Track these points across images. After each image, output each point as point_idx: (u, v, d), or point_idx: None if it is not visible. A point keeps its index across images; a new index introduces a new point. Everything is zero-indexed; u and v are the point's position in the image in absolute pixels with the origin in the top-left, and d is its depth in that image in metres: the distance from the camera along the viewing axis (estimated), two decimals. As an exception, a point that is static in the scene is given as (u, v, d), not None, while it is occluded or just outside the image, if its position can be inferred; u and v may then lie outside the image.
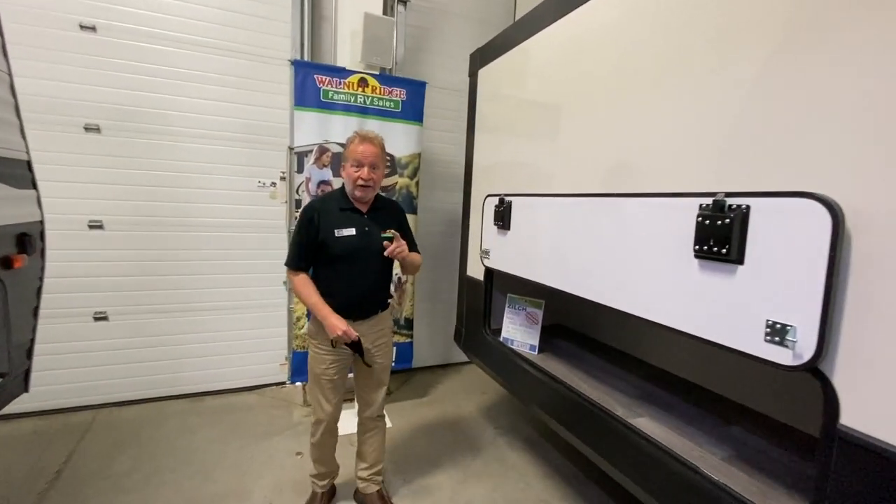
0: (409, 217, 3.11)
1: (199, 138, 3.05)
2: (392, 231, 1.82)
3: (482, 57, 2.61)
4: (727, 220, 1.12)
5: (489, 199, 2.44)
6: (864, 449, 0.92)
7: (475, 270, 2.69)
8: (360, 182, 1.78)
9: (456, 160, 3.77)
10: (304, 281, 1.82)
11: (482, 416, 3.21)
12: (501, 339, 2.53)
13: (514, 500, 2.35)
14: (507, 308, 2.55)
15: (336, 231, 1.79)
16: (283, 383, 3.49)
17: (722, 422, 1.75)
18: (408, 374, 3.77)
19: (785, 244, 1.03)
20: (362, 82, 2.87)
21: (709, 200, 1.19)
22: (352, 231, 1.81)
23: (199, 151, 3.06)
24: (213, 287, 3.22)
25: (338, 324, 1.74)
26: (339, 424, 2.06)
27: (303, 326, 2.92)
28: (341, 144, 2.86)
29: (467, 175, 2.80)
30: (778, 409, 1.74)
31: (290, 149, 3.14)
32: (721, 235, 1.14)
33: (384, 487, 2.23)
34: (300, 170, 2.83)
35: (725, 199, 1.14)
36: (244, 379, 3.39)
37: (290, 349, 3.14)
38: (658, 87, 1.41)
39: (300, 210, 2.00)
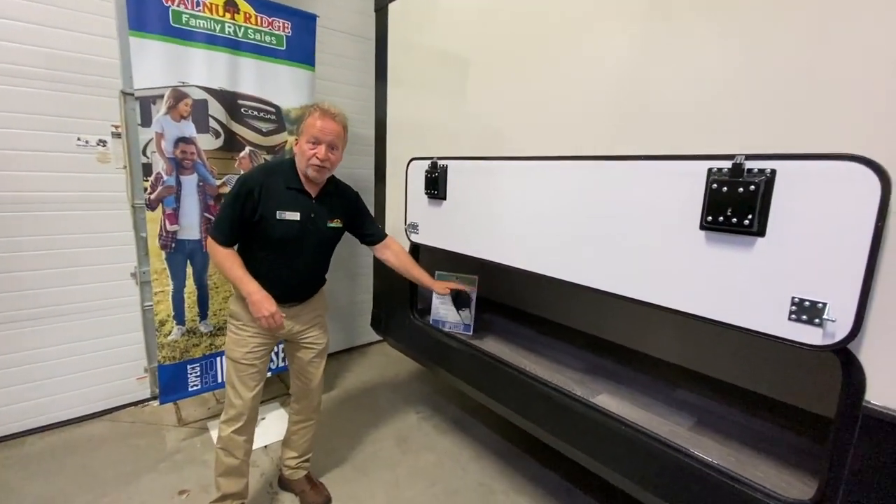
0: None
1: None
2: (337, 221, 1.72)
3: (393, -13, 2.15)
4: (750, 186, 0.99)
5: (415, 163, 2.07)
6: (893, 426, 0.88)
7: (395, 246, 2.33)
8: (314, 162, 1.56)
9: (356, 118, 3.23)
10: (228, 255, 1.58)
11: (401, 401, 2.95)
12: (431, 323, 2.26)
13: (455, 490, 2.18)
14: (435, 287, 2.26)
15: (278, 213, 1.56)
16: (146, 401, 2.74)
17: (670, 386, 1.76)
18: (310, 367, 3.29)
19: (819, 213, 0.93)
20: (231, 6, 2.17)
21: (722, 164, 1.05)
22: (296, 215, 1.60)
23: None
24: (28, 289, 2.27)
25: (265, 304, 1.53)
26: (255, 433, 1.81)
27: (169, 332, 2.24)
28: (208, 90, 2.16)
29: (379, 135, 2.37)
30: (719, 370, 1.81)
31: (125, 93, 2.30)
32: (740, 204, 1.01)
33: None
34: (146, 122, 2.07)
35: (745, 161, 1.00)
36: (87, 404, 2.55)
37: (154, 360, 2.43)
38: (659, 18, 1.19)
39: (238, 181, 1.59)
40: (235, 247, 1.64)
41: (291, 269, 1.65)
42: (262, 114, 2.39)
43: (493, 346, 2.08)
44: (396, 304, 2.38)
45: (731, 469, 1.21)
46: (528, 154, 1.57)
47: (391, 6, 2.18)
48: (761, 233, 0.99)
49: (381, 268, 2.52)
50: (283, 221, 1.57)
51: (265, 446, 2.37)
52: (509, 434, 2.57)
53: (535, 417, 1.68)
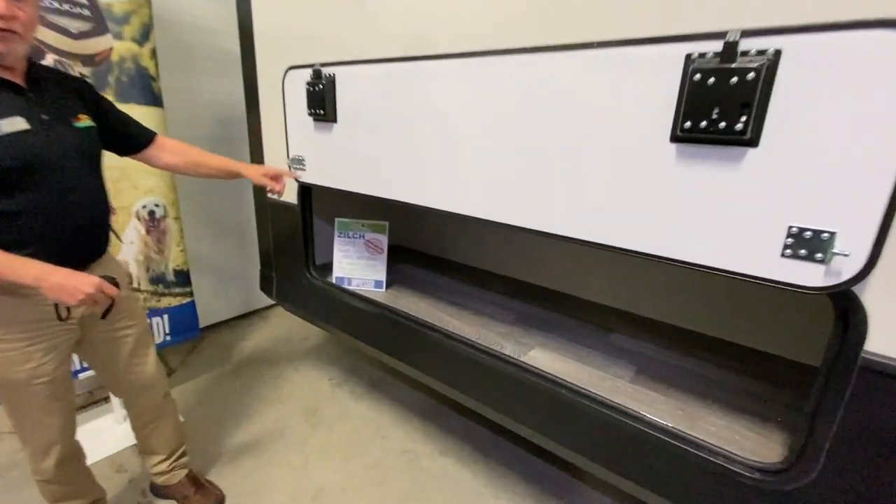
0: (154, 111, 1.94)
1: None
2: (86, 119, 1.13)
3: None
4: (747, 75, 0.70)
5: (293, 74, 1.55)
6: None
7: (281, 189, 1.84)
8: None
9: (218, 27, 2.51)
10: None
11: (311, 368, 2.59)
12: (334, 281, 1.87)
13: (374, 463, 1.93)
14: (337, 238, 1.85)
15: None
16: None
17: (605, 331, 1.59)
18: (193, 342, 2.75)
19: (833, 111, 0.68)
20: None
21: (707, 46, 0.75)
22: (18, 122, 1.01)
23: None
24: None
25: (76, 280, 1.01)
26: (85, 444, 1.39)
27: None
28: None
29: (245, 44, 1.77)
30: (654, 309, 1.68)
31: None
32: (730, 101, 0.73)
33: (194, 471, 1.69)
34: None
35: (741, 39, 0.71)
36: None
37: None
38: None
39: None
40: None
41: (59, 216, 1.08)
42: (68, 6, 1.68)
43: (409, 302, 1.76)
44: (288, 259, 1.93)
45: (682, 429, 1.05)
46: (440, 52, 1.16)
47: None
48: (754, 142, 0.73)
49: (263, 217, 2.03)
50: (5, 138, 0.99)
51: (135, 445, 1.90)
52: (432, 390, 2.35)
53: (463, 385, 1.42)
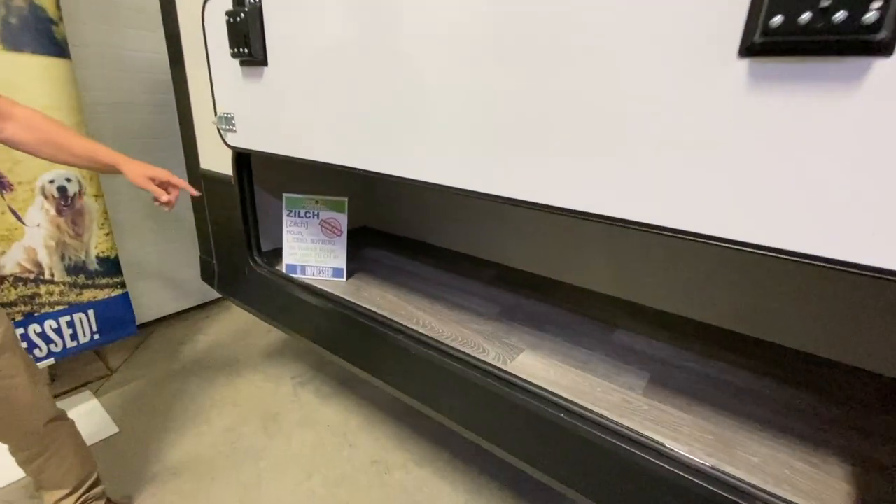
0: (56, 64, 1.59)
1: None
2: None
3: None
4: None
5: (214, 4, 1.20)
6: None
7: (215, 160, 1.49)
8: None
9: (155, 101, 2.13)
10: None
11: (273, 365, 2.30)
12: (284, 269, 1.56)
13: (339, 478, 1.67)
14: (286, 217, 1.53)
15: None
16: None
17: (607, 327, 1.32)
18: (138, 339, 2.43)
19: None
20: None
21: None
22: None
23: None
24: None
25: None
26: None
27: None
28: None
29: (187, 136, 1.43)
30: (659, 297, 1.40)
31: None
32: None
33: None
34: None
35: None
36: None
37: None
38: None
39: None
40: None
41: None
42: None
43: (374, 294, 1.46)
44: (229, 244, 1.60)
45: (719, 468, 0.79)
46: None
47: None
48: (888, 49, 0.44)
49: (197, 189, 1.69)
50: None
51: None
52: (408, 391, 2.09)
53: (435, 402, 1.13)
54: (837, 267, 0.51)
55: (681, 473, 0.79)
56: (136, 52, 2.10)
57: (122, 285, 1.91)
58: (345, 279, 1.56)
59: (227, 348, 2.43)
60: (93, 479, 1.31)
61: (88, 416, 1.87)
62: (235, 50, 1.12)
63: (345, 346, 1.33)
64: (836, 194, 0.50)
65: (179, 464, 1.67)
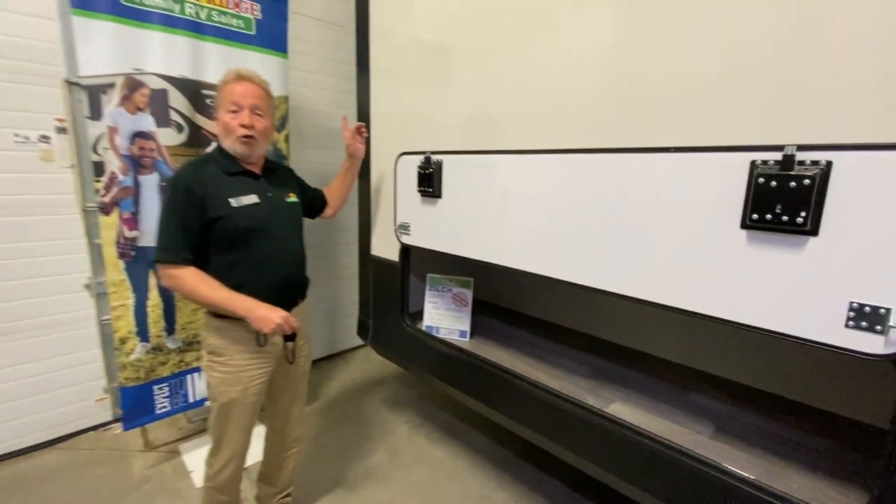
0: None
1: None
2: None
3: (375, -33, 1.97)
4: (804, 181, 0.89)
5: (405, 158, 1.90)
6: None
7: (384, 249, 2.16)
8: (241, 132, 1.35)
9: (332, 110, 3.04)
10: (197, 275, 1.32)
11: (389, 411, 2.80)
12: (424, 329, 2.11)
13: (454, 507, 2.05)
14: (427, 291, 2.12)
15: (232, 200, 1.35)
16: (106, 425, 2.48)
17: (683, 390, 1.68)
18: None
19: (883, 209, 0.83)
20: (191, -16, 1.94)
21: (768, 156, 0.94)
22: (253, 198, 1.39)
23: None
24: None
25: (271, 313, 1.32)
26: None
27: (131, 351, 2.00)
28: (168, 78, 1.93)
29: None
30: (730, 370, 1.75)
31: (70, 83, 2.03)
32: (791, 200, 0.91)
33: None
34: (95, 115, 1.81)
35: (797, 152, 0.90)
36: (38, 431, 2.28)
37: (115, 380, 2.19)
38: None
39: (168, 185, 1.43)
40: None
41: (271, 266, 1.43)
42: (231, 105, 2.17)
43: (492, 352, 1.95)
44: (385, 309, 2.21)
45: (764, 482, 1.13)
46: (537, 147, 1.44)
47: (374, -11, 2.00)
48: (814, 232, 0.90)
49: (365, 271, 2.35)
50: (243, 208, 1.35)
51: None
52: (505, 440, 2.46)
53: (547, 431, 1.56)
54: (792, 339, 0.93)
55: (740, 486, 1.13)
56: (315, 165, 2.94)
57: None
58: (468, 339, 2.07)
59: (352, 393, 2.99)
60: (290, 489, 1.82)
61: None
62: (421, 188, 1.79)
63: (473, 387, 1.81)
64: (794, 297, 0.94)
65: (329, 481, 2.15)
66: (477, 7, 1.57)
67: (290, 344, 1.47)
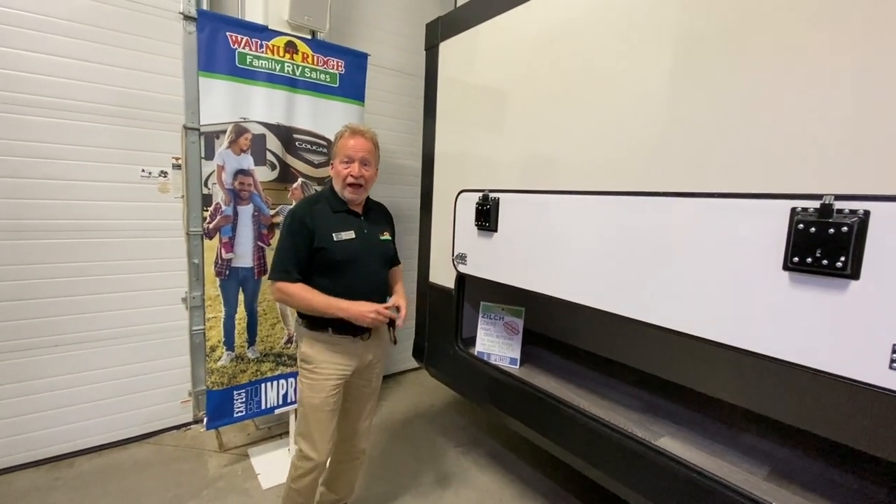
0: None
1: (56, 111, 2.19)
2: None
3: (445, 28, 2.23)
4: (842, 228, 0.96)
5: (464, 195, 2.09)
6: None
7: (441, 277, 2.34)
8: (350, 180, 1.59)
9: (400, 149, 3.35)
10: (303, 288, 1.57)
11: (438, 433, 2.89)
12: (476, 354, 2.23)
13: (499, 533, 2.09)
14: (480, 318, 2.25)
15: (334, 235, 1.59)
16: (188, 425, 2.77)
17: (735, 429, 1.68)
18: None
19: (920, 257, 0.89)
20: (290, 47, 2.29)
21: (807, 204, 1.02)
22: (350, 234, 1.62)
23: (57, 129, 2.20)
24: (85, 312, 2.38)
25: (365, 307, 1.54)
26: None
27: (219, 358, 2.28)
28: (267, 125, 2.27)
29: (427, 167, 2.42)
30: (785, 412, 1.72)
31: (187, 128, 2.43)
32: (830, 245, 0.98)
33: None
34: (209, 156, 2.17)
35: (835, 202, 0.97)
36: (132, 426, 2.60)
37: (203, 385, 2.47)
38: (742, 52, 1.18)
39: (286, 217, 1.65)
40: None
41: (358, 291, 1.60)
42: (314, 147, 2.48)
43: (541, 380, 2.03)
44: (440, 334, 2.36)
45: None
46: (587, 188, 1.57)
47: (442, 45, 2.26)
48: (855, 276, 0.96)
49: (423, 296, 2.53)
50: (341, 242, 1.59)
51: (306, 477, 2.34)
52: (551, 472, 2.48)
53: (593, 459, 1.61)
54: (835, 378, 0.96)
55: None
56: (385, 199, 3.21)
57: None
58: (518, 366, 2.17)
59: (404, 414, 3.12)
60: (348, 499, 1.97)
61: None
62: (479, 222, 1.96)
63: (522, 412, 1.90)
64: (837, 337, 0.98)
65: (381, 496, 2.27)
66: (535, 59, 1.76)
67: (392, 329, 1.70)
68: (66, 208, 2.27)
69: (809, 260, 1.00)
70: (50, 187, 2.22)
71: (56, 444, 2.39)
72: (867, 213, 0.94)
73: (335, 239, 1.58)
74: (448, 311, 2.26)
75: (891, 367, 0.92)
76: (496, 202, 1.92)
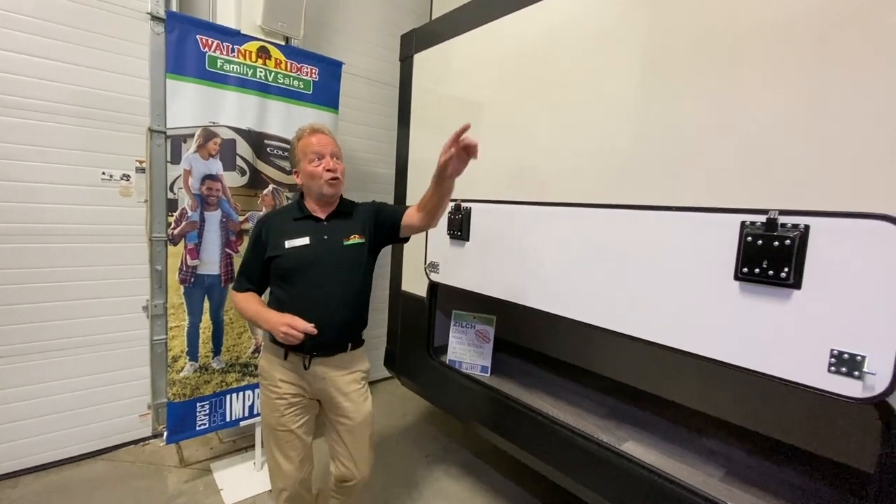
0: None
1: (12, 109, 2.09)
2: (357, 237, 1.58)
3: (420, 40, 2.27)
4: (786, 241, 1.03)
5: (437, 205, 2.12)
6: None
7: (413, 285, 2.34)
8: (326, 176, 1.52)
9: (374, 157, 3.35)
10: (245, 297, 1.56)
11: (410, 443, 2.87)
12: (448, 362, 2.24)
13: (470, 542, 2.09)
14: (452, 326, 2.27)
15: (286, 242, 1.52)
16: (147, 440, 2.65)
17: (695, 434, 1.75)
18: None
19: (853, 268, 0.97)
20: (263, 52, 2.27)
21: (755, 218, 1.10)
22: (304, 240, 1.52)
23: (14, 128, 2.10)
24: (36, 321, 2.25)
25: (276, 318, 1.41)
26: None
27: (182, 368, 2.20)
28: (237, 130, 2.23)
29: (400, 175, 2.43)
30: (743, 417, 1.81)
31: (152, 130, 2.37)
32: (775, 257, 1.05)
33: None
34: (175, 160, 2.11)
35: (779, 216, 1.05)
36: (86, 442, 2.47)
37: (164, 397, 2.38)
38: (700, 75, 1.25)
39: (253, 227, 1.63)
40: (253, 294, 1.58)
41: (314, 303, 1.47)
42: (286, 153, 2.45)
43: (511, 388, 2.06)
44: (411, 342, 2.36)
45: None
46: (556, 200, 1.62)
47: (416, 56, 2.29)
48: (797, 285, 1.03)
49: (395, 304, 2.53)
50: (293, 249, 1.50)
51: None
52: (522, 481, 2.50)
53: (560, 464, 1.64)
54: (778, 381, 1.03)
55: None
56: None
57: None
58: (489, 374, 2.19)
59: (376, 424, 3.07)
60: None
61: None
62: (451, 231, 1.99)
63: (493, 420, 1.91)
64: (782, 342, 1.05)
65: None
66: (507, 73, 1.81)
67: (308, 355, 1.49)
68: (21, 211, 2.15)
69: (757, 270, 1.07)
70: (7, 190, 2.11)
71: (2, 460, 2.24)
72: (807, 227, 1.02)
73: (287, 246, 1.50)
74: (420, 320, 2.27)
75: (829, 371, 0.99)
76: (468, 211, 1.95)
